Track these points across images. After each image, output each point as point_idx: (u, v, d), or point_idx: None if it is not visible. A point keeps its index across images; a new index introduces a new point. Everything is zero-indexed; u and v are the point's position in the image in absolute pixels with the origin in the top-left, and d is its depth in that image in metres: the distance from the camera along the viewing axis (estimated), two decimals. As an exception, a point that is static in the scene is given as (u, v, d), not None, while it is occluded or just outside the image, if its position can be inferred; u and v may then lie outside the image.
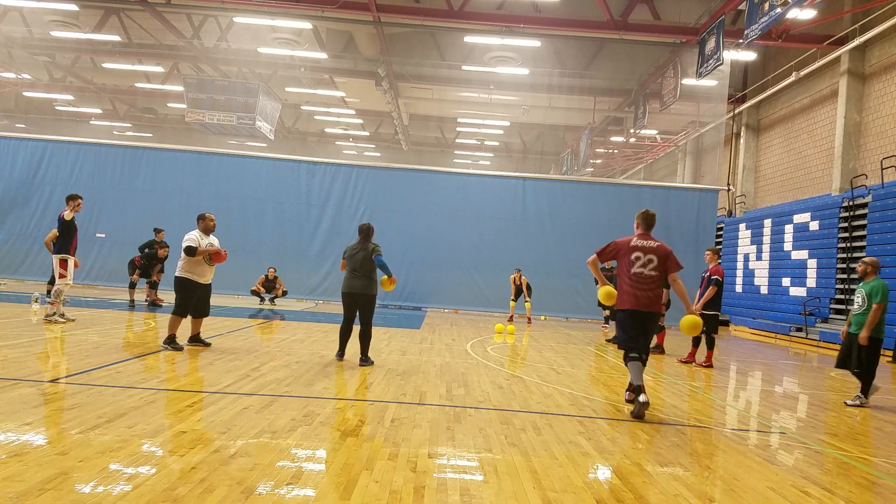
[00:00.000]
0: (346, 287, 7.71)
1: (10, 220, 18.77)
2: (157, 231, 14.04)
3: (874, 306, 7.14)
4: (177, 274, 7.95)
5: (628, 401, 6.22)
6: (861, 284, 7.50)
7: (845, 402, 7.66)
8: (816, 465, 4.76)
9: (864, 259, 7.59)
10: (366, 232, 7.79)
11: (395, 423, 4.96)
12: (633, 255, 5.95)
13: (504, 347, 10.84)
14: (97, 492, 3.16)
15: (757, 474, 4.34)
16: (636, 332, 5.90)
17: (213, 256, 7.89)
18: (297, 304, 17.75)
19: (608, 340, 11.72)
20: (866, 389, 7.38)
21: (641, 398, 5.66)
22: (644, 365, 5.86)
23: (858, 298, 7.42)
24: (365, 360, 7.72)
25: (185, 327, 8.25)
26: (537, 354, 10.15)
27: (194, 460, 3.73)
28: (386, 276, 7.59)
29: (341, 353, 7.95)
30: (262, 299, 17.34)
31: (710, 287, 9.81)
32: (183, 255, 7.81)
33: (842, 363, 7.54)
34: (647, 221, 6.31)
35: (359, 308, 7.73)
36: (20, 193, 18.78)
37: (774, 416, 6.65)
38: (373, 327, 7.88)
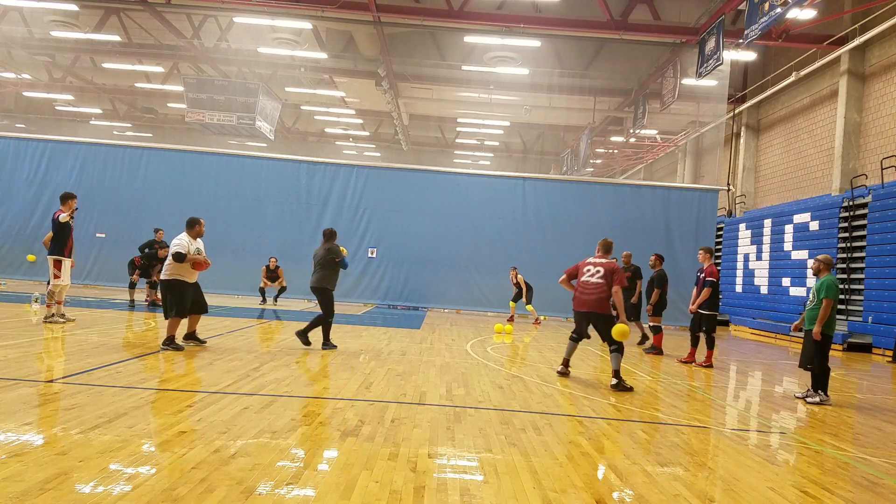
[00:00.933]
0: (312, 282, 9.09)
1: (10, 220, 18.77)
2: (156, 231, 14.04)
3: (823, 302, 7.19)
4: (163, 277, 8.01)
5: (559, 372, 8.16)
6: (817, 282, 7.54)
7: (795, 395, 7.68)
8: (816, 464, 4.77)
9: (817, 257, 7.64)
10: (330, 235, 9.08)
11: (395, 423, 4.96)
12: (585, 268, 7.77)
13: (504, 347, 10.84)
14: (97, 492, 3.17)
15: (757, 474, 4.34)
16: (579, 326, 7.98)
17: (195, 265, 8.10)
18: (297, 303, 17.74)
19: (646, 350, 11.61)
20: (825, 386, 7.38)
21: (561, 369, 8.14)
22: (576, 344, 8.12)
23: (810, 295, 7.50)
24: (325, 344, 8.98)
25: (181, 325, 8.26)
26: (537, 354, 10.16)
27: (194, 460, 3.73)
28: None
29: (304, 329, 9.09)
30: (264, 299, 17.21)
31: (705, 289, 9.79)
32: (170, 259, 7.90)
33: (803, 363, 7.57)
34: (605, 247, 7.94)
35: (318, 298, 9.01)
36: (20, 193, 18.78)
37: (774, 416, 6.65)
38: (331, 319, 9.03)
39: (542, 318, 17.65)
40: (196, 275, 8.22)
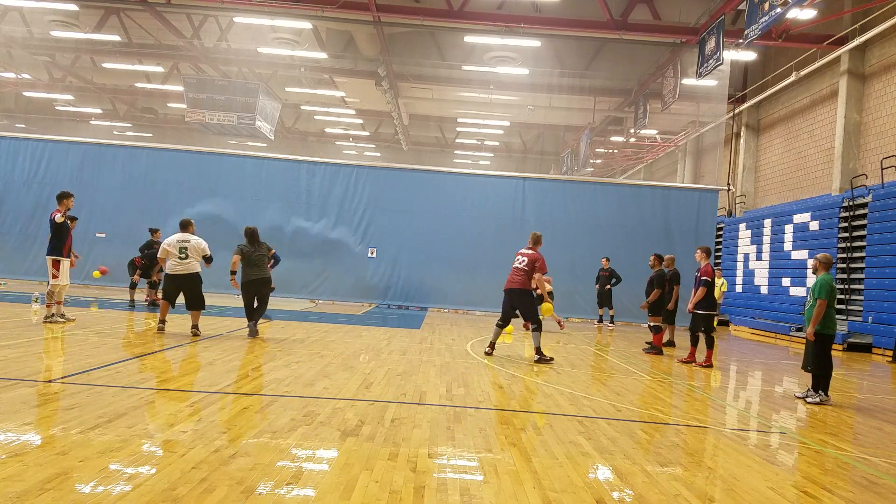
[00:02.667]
0: (249, 276, 9.63)
1: (10, 220, 18.77)
2: (152, 231, 14.00)
3: (817, 302, 7.15)
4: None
5: (486, 353, 9.37)
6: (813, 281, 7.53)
7: (795, 395, 7.68)
8: (816, 464, 4.77)
9: (816, 255, 7.60)
10: (255, 234, 9.75)
11: (395, 423, 4.96)
12: (516, 256, 9.35)
13: (504, 347, 10.84)
14: (97, 492, 3.17)
15: (757, 474, 4.34)
16: (505, 307, 9.26)
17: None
18: (299, 304, 17.73)
19: (646, 350, 11.57)
20: (826, 386, 7.37)
21: (487, 349, 9.41)
22: (500, 330, 9.46)
23: (808, 295, 7.46)
24: (252, 327, 9.69)
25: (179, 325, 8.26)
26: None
27: (194, 460, 3.73)
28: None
29: (251, 323, 9.69)
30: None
31: (700, 288, 9.81)
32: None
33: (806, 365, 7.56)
34: (533, 238, 9.70)
35: (261, 290, 9.81)
36: (20, 193, 18.78)
37: (774, 415, 6.65)
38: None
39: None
40: (181, 267, 9.27)
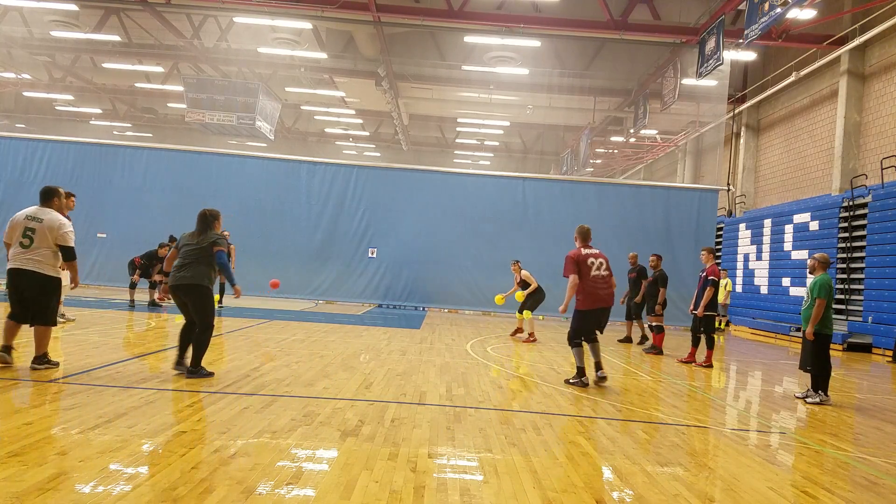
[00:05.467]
0: (171, 280, 6.36)
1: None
2: (161, 245, 13.95)
3: (816, 301, 7.16)
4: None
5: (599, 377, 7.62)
6: (811, 280, 7.52)
7: (795, 395, 7.68)
8: (816, 464, 4.77)
9: (814, 255, 7.59)
10: (203, 219, 6.55)
11: (395, 423, 4.96)
12: (596, 259, 7.30)
13: (504, 347, 10.84)
14: (97, 492, 3.17)
15: (757, 474, 4.35)
16: (598, 324, 7.46)
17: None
18: (300, 304, 17.74)
19: (646, 350, 11.56)
20: (825, 386, 7.37)
21: (600, 375, 7.45)
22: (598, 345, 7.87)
23: (806, 295, 7.46)
24: (192, 371, 6.18)
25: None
26: (537, 354, 10.15)
27: (194, 460, 3.74)
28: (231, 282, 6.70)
29: (178, 357, 6.38)
30: (221, 301, 15.06)
31: (708, 288, 9.79)
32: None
33: (803, 364, 7.57)
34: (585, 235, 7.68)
35: (189, 302, 6.33)
36: (20, 193, 18.75)
37: (774, 416, 6.65)
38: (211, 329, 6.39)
39: (540, 317, 17.55)
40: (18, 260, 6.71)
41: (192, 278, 6.22)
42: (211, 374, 6.30)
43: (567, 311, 7.44)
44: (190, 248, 6.36)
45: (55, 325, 6.29)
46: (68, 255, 6.35)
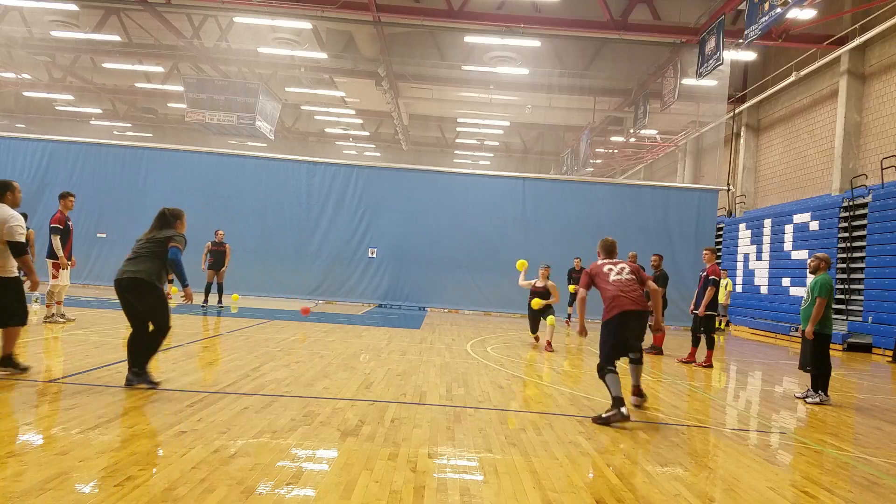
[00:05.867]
0: (116, 274, 5.69)
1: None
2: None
3: (817, 300, 7.16)
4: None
5: (635, 404, 6.42)
6: (811, 280, 7.51)
7: (795, 395, 7.68)
8: (816, 464, 4.77)
9: (816, 254, 7.59)
10: (161, 217, 6.06)
11: (395, 423, 4.96)
12: (607, 268, 6.33)
13: (504, 347, 10.84)
14: (97, 492, 3.17)
15: (757, 474, 4.34)
16: (627, 336, 6.11)
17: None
18: (298, 304, 17.72)
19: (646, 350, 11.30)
20: (825, 386, 7.37)
21: (636, 401, 6.40)
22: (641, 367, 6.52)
23: (805, 294, 7.46)
24: (138, 372, 5.57)
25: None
26: (537, 354, 10.15)
27: (194, 460, 3.74)
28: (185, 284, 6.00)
29: (130, 372, 5.61)
30: (206, 301, 14.46)
31: (709, 288, 9.80)
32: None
33: (803, 364, 7.56)
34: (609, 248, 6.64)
35: (134, 301, 5.61)
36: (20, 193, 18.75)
37: (774, 415, 6.65)
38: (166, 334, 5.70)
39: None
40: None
41: (136, 272, 5.52)
42: (156, 384, 5.56)
43: (586, 332, 6.27)
44: (142, 242, 5.80)
45: (18, 325, 5.91)
46: (16, 250, 5.95)
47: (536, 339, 11.56)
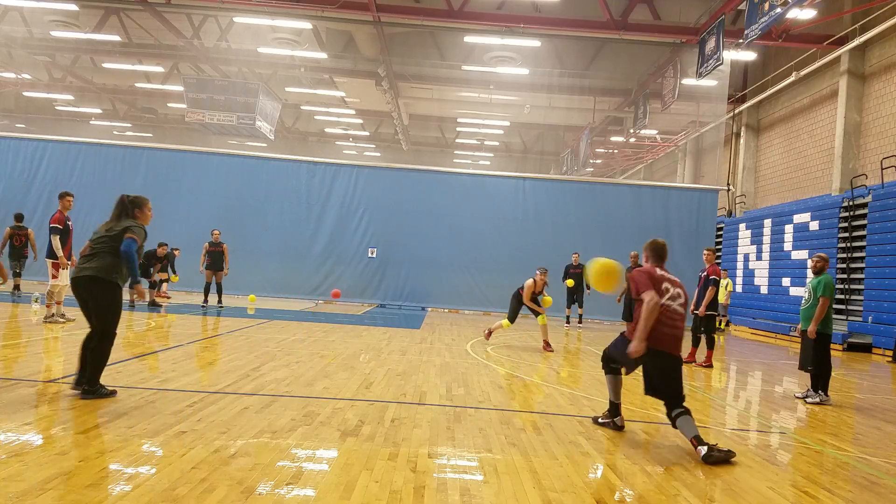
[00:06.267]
0: (72, 272, 5.39)
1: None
2: (160, 245, 14.11)
3: (820, 300, 7.17)
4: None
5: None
6: (811, 280, 7.51)
7: (795, 395, 7.68)
8: (816, 465, 4.76)
9: (818, 255, 7.58)
10: (120, 205, 5.54)
11: (395, 423, 4.96)
12: (665, 286, 4.95)
13: (504, 348, 10.84)
14: (97, 492, 3.16)
15: (757, 474, 4.34)
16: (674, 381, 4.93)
17: None
18: (300, 304, 17.73)
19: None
20: (826, 386, 7.38)
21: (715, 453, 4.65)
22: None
23: (806, 294, 7.45)
24: (89, 389, 5.04)
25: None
26: (537, 354, 10.15)
27: (194, 460, 3.73)
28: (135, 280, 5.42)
29: (79, 374, 5.20)
30: (206, 301, 14.57)
31: (710, 287, 9.80)
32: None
33: (803, 365, 7.56)
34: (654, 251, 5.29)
35: (90, 301, 5.19)
36: (20, 193, 18.77)
37: (774, 416, 6.65)
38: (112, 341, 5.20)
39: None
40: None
41: (94, 269, 5.12)
42: (112, 394, 5.12)
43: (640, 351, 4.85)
44: (99, 236, 5.33)
45: None
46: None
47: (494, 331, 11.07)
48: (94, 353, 5.07)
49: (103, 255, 5.19)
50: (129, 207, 5.52)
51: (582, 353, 10.97)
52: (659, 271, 5.06)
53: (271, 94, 26.51)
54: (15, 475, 3.29)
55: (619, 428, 5.23)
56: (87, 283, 5.13)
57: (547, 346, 10.53)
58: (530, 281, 10.65)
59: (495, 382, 7.23)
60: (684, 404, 4.76)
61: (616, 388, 5.31)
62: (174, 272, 15.51)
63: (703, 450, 4.51)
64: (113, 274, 5.18)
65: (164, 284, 15.30)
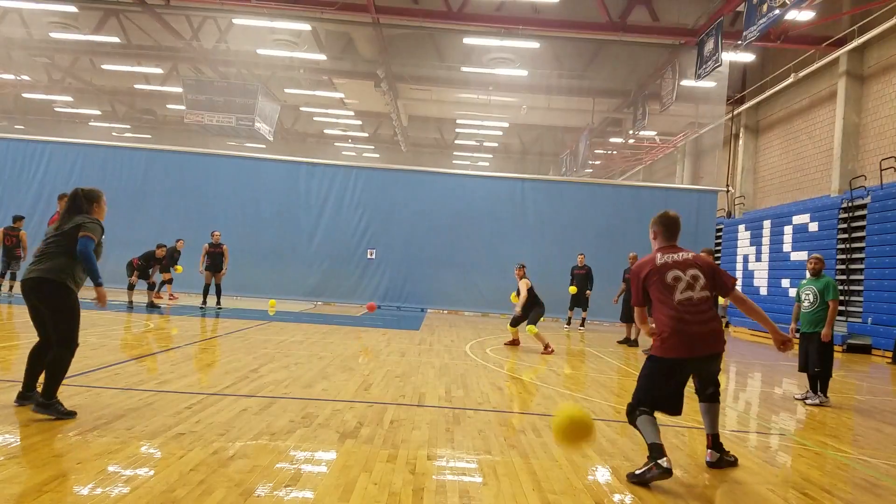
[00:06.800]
0: (23, 274, 4.82)
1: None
2: (159, 246, 14.01)
3: (830, 303, 7.17)
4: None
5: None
6: (809, 282, 7.49)
7: (795, 397, 7.68)
8: (816, 466, 4.76)
9: (816, 256, 7.57)
10: (73, 199, 5.11)
11: (394, 425, 4.95)
12: (672, 274, 4.21)
13: (503, 349, 10.83)
14: (95, 494, 3.16)
15: (757, 476, 4.34)
16: (678, 381, 4.25)
17: None
18: (299, 305, 17.71)
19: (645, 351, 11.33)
20: (825, 388, 7.37)
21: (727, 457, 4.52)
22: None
23: (810, 296, 7.42)
24: (43, 404, 4.48)
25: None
26: (536, 356, 10.14)
27: (193, 462, 3.73)
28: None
29: (23, 388, 4.72)
30: (205, 302, 14.59)
31: None
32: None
33: (804, 366, 7.56)
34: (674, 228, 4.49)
35: (41, 306, 4.67)
36: (19, 195, 18.74)
37: (774, 417, 6.65)
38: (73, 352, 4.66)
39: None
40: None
41: (42, 271, 4.60)
42: (72, 414, 4.50)
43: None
44: (50, 235, 4.83)
45: None
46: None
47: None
48: (53, 364, 4.52)
49: (54, 256, 4.67)
50: (83, 201, 5.06)
51: (582, 355, 10.96)
52: (662, 257, 4.27)
53: (270, 95, 26.52)
54: (13, 477, 3.28)
55: (667, 472, 3.88)
56: (35, 285, 4.61)
57: (547, 349, 10.44)
58: (526, 282, 10.72)
59: (494, 384, 7.22)
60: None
61: (650, 429, 4.04)
62: (175, 263, 15.10)
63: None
64: (64, 275, 4.62)
65: (168, 286, 15.16)
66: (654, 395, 4.14)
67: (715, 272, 4.33)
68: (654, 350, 4.19)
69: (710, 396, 4.48)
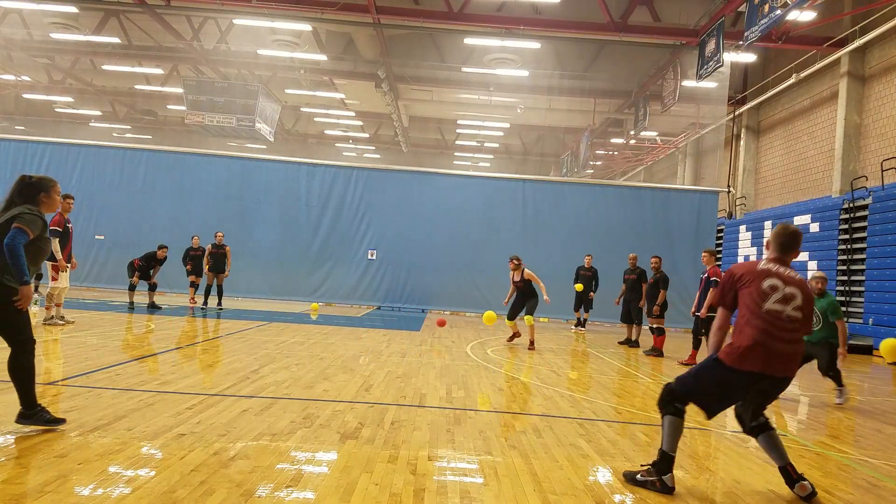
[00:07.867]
0: None
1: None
2: (160, 247, 13.97)
3: (838, 323, 7.25)
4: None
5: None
6: (817, 302, 7.48)
7: (836, 402, 7.71)
8: (817, 467, 4.75)
9: (820, 276, 7.62)
10: (18, 187, 4.30)
11: (395, 426, 4.95)
12: (768, 283, 3.87)
13: (504, 350, 10.83)
14: (96, 494, 3.15)
15: (757, 476, 4.33)
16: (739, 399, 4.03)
17: None
18: (299, 306, 17.71)
19: (646, 352, 11.42)
20: (839, 381, 7.49)
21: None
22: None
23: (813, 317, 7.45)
24: (25, 415, 4.16)
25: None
26: (537, 356, 10.14)
27: (194, 463, 3.72)
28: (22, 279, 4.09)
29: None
30: (206, 303, 14.44)
31: (711, 289, 9.80)
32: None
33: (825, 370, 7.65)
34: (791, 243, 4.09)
35: None
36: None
37: (775, 418, 6.64)
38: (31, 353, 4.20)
39: (542, 319, 17.42)
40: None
41: None
42: (61, 421, 4.24)
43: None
44: None
45: None
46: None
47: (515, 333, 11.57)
48: (14, 372, 4.11)
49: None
50: (27, 189, 4.27)
51: (583, 355, 10.95)
52: (765, 264, 3.95)
53: (271, 95, 26.52)
54: (14, 478, 3.28)
55: (670, 490, 3.80)
56: None
57: (531, 345, 10.89)
58: (529, 272, 11.08)
59: (495, 384, 7.22)
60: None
61: (674, 435, 3.88)
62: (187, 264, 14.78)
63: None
64: (3, 273, 4.04)
65: (192, 289, 14.67)
66: (705, 400, 3.89)
67: (810, 305, 3.91)
68: (725, 356, 3.82)
69: (765, 424, 4.06)
